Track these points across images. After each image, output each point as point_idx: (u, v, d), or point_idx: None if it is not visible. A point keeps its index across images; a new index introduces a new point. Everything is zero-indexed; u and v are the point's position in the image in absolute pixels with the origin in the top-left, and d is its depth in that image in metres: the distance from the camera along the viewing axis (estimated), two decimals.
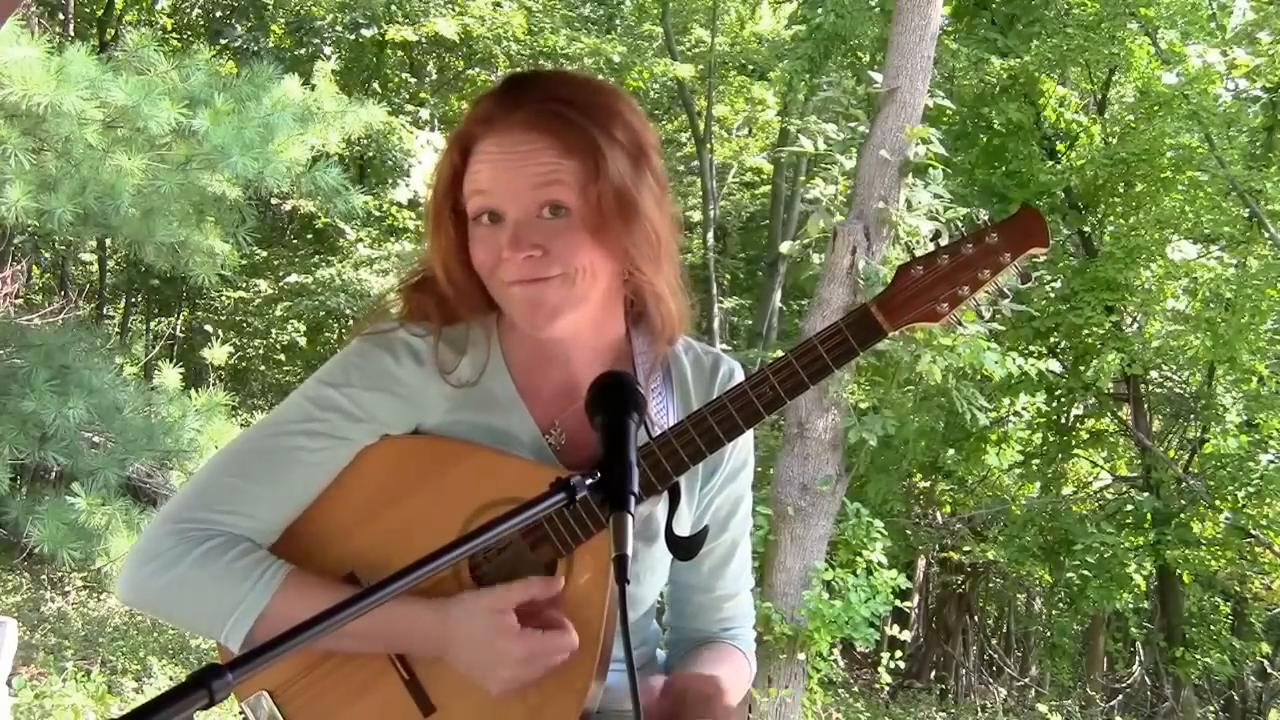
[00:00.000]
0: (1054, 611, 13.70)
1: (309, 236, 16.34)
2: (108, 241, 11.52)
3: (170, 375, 6.52)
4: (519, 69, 10.15)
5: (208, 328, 14.77)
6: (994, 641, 14.13)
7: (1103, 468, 13.12)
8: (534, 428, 1.55)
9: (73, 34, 12.10)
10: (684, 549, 1.41)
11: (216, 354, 7.99)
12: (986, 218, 1.49)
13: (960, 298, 1.46)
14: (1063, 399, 12.15)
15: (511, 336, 1.57)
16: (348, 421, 1.51)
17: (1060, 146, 12.20)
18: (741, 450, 1.64)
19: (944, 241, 1.48)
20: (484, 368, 1.55)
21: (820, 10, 11.60)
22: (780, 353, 1.56)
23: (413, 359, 1.54)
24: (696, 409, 1.48)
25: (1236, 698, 12.21)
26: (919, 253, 1.48)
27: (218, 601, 1.46)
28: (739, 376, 1.65)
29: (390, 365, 1.53)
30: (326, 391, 1.53)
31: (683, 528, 1.58)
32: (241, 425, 6.54)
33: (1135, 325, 11.78)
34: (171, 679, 7.57)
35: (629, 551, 1.12)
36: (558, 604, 1.49)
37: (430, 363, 1.54)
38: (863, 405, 8.74)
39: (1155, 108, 10.98)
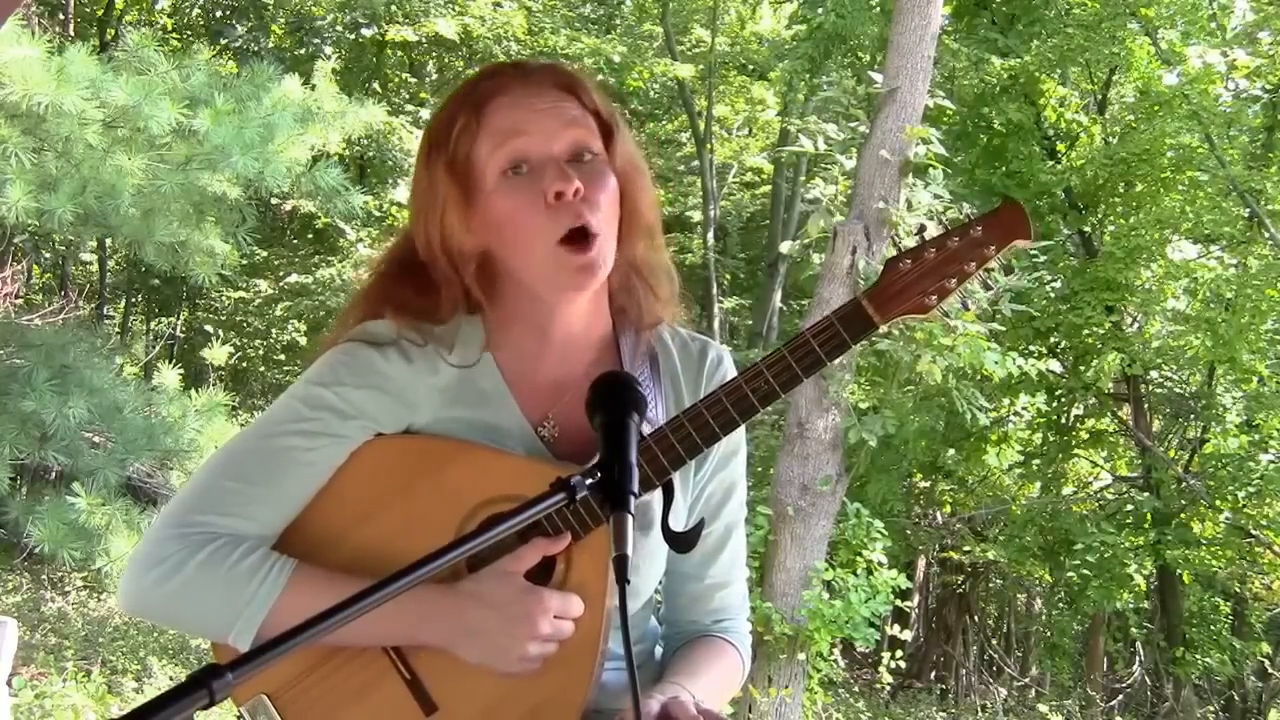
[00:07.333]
0: (1054, 611, 13.68)
1: (309, 236, 16.34)
2: (108, 241, 11.52)
3: (170, 375, 6.52)
4: None
5: (208, 328, 14.77)
6: (994, 641, 14.11)
7: (1103, 468, 13.11)
8: (525, 422, 1.55)
9: (73, 34, 12.10)
10: (681, 543, 1.41)
11: (216, 354, 8.00)
12: (969, 212, 1.52)
13: (948, 290, 1.48)
14: (1063, 399, 12.14)
15: (499, 332, 1.57)
16: (339, 419, 1.51)
17: (1060, 146, 12.19)
18: (733, 437, 1.62)
19: (930, 235, 1.50)
20: (473, 364, 1.55)
21: (820, 10, 11.60)
22: None
23: (401, 357, 1.54)
24: (691, 404, 1.49)
25: (1236, 698, 12.18)
26: (906, 247, 1.51)
27: (226, 603, 1.45)
28: (727, 361, 1.67)
29: (379, 363, 1.53)
30: (316, 391, 1.52)
31: (677, 518, 1.58)
32: (241, 425, 6.54)
33: (1135, 325, 11.76)
34: (171, 679, 7.56)
35: (629, 551, 1.12)
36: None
37: (419, 361, 1.54)
38: (863, 405, 8.73)
39: (1155, 108, 10.97)
